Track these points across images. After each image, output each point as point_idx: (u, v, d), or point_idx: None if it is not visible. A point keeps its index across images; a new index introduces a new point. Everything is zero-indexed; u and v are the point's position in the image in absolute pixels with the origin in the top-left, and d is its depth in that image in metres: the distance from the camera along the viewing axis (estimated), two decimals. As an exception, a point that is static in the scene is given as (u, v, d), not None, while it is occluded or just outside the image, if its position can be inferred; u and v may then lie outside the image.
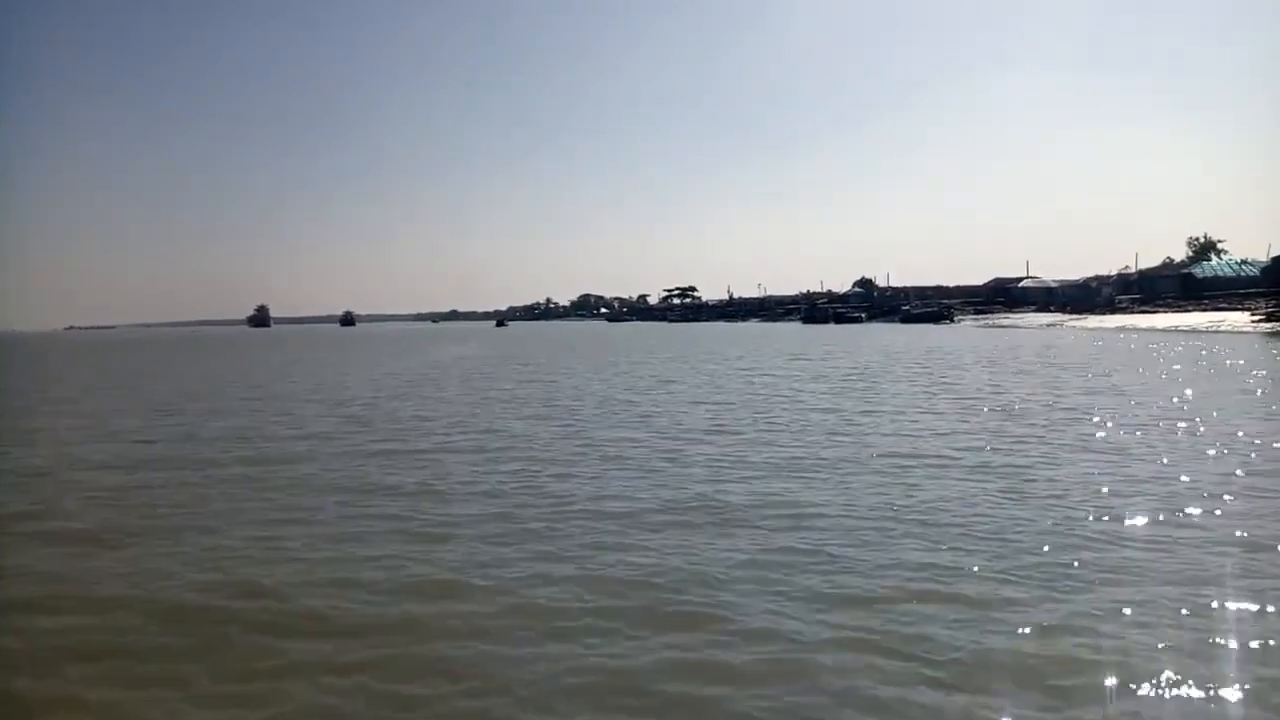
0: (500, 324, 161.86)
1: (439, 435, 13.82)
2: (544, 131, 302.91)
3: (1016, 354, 33.07)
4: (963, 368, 26.56)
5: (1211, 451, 10.76)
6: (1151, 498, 8.29)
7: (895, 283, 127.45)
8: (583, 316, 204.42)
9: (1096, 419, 13.85)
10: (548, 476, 10.09)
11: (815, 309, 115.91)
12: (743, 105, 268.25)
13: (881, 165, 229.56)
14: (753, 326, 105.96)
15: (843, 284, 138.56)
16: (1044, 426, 13.21)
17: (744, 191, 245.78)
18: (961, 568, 6.25)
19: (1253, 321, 49.88)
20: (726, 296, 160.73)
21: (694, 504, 8.43)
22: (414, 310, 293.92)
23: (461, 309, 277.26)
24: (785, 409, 16.40)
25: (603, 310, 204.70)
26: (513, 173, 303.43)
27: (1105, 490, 8.65)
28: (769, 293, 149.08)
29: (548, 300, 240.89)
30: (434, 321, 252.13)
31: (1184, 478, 9.16)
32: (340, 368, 35.05)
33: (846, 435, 12.80)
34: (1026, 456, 10.65)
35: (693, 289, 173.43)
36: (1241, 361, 26.59)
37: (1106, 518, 7.55)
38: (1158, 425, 13.12)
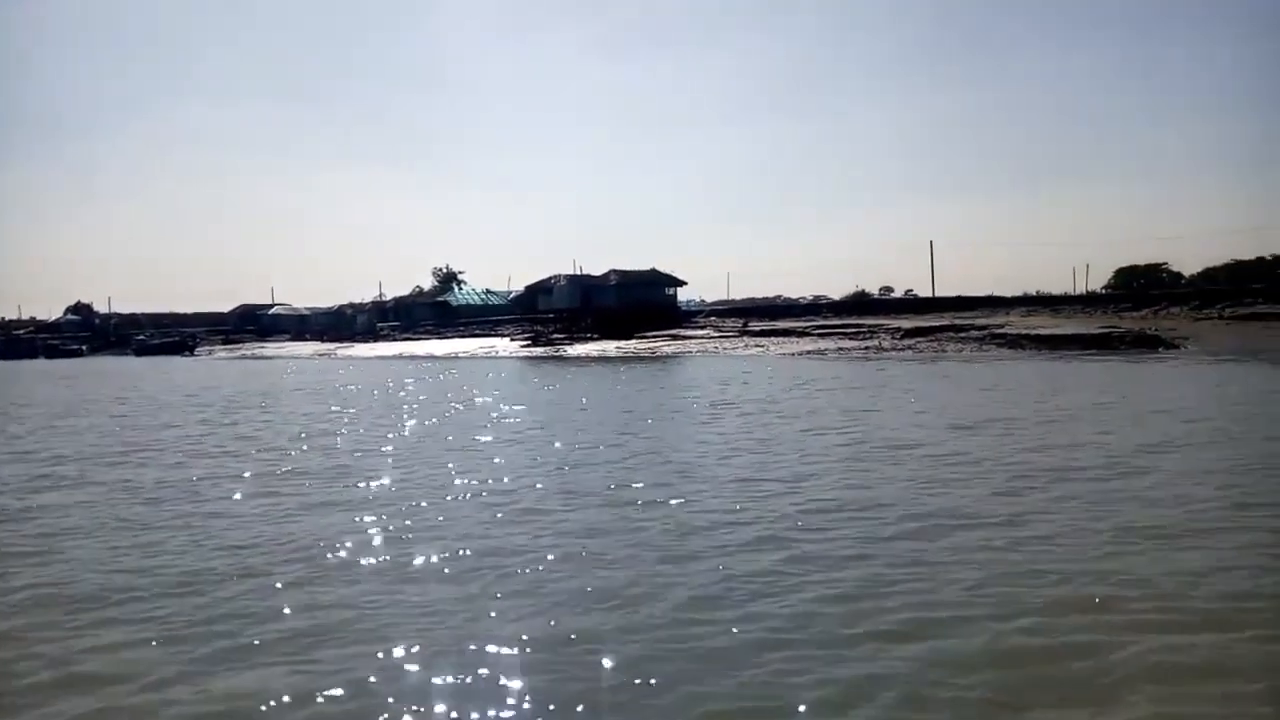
0: None
1: None
2: None
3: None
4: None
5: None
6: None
7: (121, 309, 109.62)
8: None
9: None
10: None
11: (17, 340, 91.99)
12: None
13: (97, 181, 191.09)
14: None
15: (53, 311, 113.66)
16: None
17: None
18: None
19: (521, 347, 54.37)
20: None
21: None
22: None
23: None
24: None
25: None
26: None
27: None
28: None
29: None
30: None
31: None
32: None
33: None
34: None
35: None
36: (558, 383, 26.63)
37: None
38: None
